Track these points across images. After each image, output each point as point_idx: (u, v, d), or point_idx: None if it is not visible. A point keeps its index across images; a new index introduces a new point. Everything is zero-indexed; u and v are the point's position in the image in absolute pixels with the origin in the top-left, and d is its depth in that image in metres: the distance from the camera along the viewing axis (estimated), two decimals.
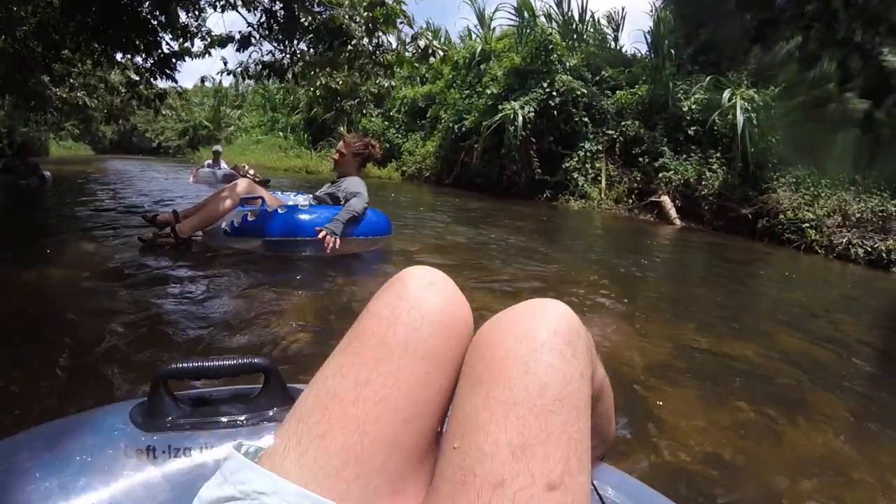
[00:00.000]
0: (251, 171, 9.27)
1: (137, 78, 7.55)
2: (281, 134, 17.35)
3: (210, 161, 9.85)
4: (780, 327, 3.03)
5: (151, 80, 7.40)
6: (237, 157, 14.48)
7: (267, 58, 6.64)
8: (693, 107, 10.07)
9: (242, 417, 0.73)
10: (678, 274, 5.13)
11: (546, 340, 0.52)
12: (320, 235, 3.02)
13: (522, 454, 0.46)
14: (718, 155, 9.83)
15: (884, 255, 7.55)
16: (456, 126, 12.67)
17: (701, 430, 1.57)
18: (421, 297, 0.58)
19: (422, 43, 4.68)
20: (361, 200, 3.25)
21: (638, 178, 10.71)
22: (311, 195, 3.71)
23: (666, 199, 10.10)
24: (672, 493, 0.83)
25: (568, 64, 11.11)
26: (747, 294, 4.36)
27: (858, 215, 7.98)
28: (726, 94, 9.03)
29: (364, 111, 11.86)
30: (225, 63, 7.26)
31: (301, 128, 17.00)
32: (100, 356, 1.63)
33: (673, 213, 9.86)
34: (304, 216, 3.18)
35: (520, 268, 3.78)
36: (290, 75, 6.53)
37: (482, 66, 12.42)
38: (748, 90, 9.19)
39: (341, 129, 15.33)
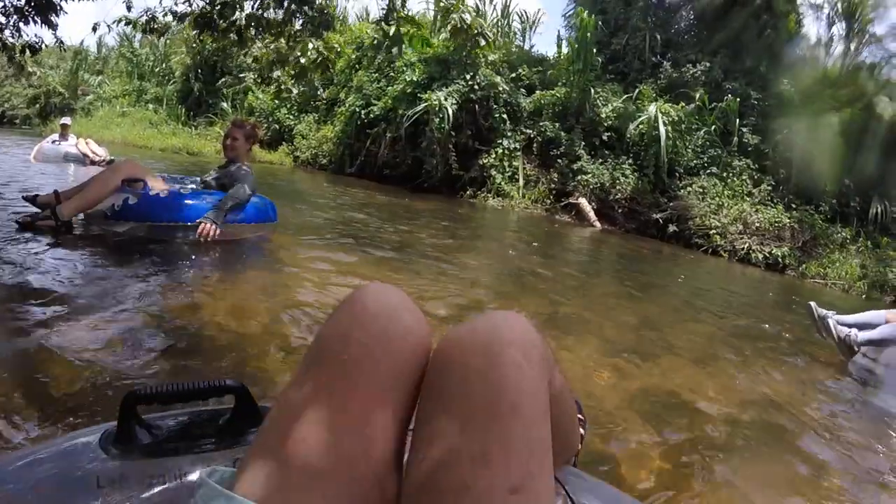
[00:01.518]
0: (98, 149, 7.96)
1: (3, 20, 5.92)
2: (150, 107, 14.98)
3: (56, 136, 8.22)
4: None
5: (22, 24, 5.89)
6: (99, 132, 12.25)
7: (182, 7, 5.61)
8: (611, 114, 10.81)
9: (215, 441, 0.74)
10: (604, 274, 5.76)
11: (501, 352, 0.56)
12: (199, 228, 3.11)
13: (484, 461, 0.50)
14: (630, 161, 10.71)
15: (779, 259, 8.91)
16: (363, 111, 12.10)
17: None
18: (376, 315, 0.60)
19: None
20: (247, 187, 3.37)
21: (555, 179, 11.20)
22: (198, 179, 3.71)
23: (584, 202, 10.75)
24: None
25: (490, 58, 11.21)
26: (662, 293, 5.04)
27: (757, 224, 9.28)
28: (652, 106, 9.86)
29: (294, 84, 10.73)
30: (129, 8, 5.97)
31: (175, 100, 14.87)
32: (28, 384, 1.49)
33: (592, 215, 10.54)
34: (188, 201, 3.23)
35: (442, 272, 3.81)
36: (233, 34, 5.54)
37: (394, 50, 12.00)
38: (665, 104, 10.12)
39: (224, 105, 13.73)
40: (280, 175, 11.10)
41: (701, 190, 10.12)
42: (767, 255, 9.04)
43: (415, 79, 11.24)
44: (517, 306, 3.26)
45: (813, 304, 3.52)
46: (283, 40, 5.73)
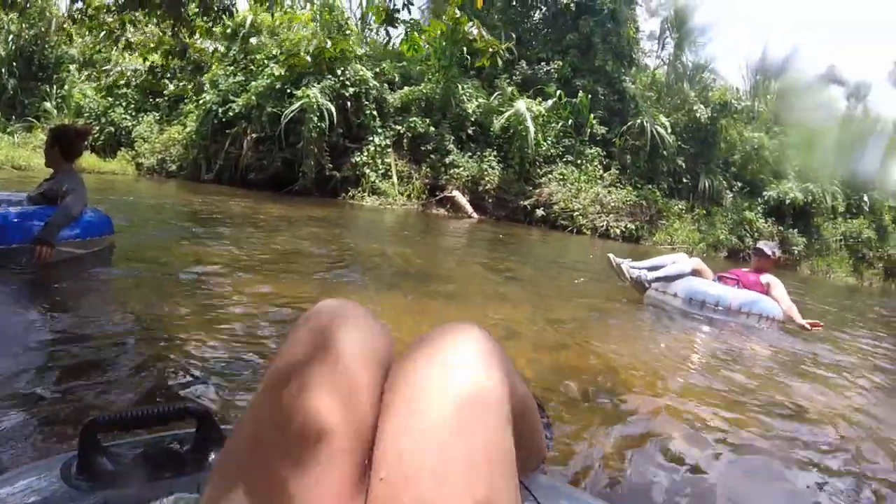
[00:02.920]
0: None
1: None
2: None
3: None
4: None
5: None
6: None
7: None
8: (476, 109, 11.70)
9: (179, 467, 0.74)
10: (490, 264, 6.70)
11: (460, 364, 0.57)
12: (35, 253, 2.86)
13: (446, 477, 0.50)
14: (495, 153, 11.73)
15: (633, 232, 10.60)
16: (220, 109, 11.45)
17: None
18: (337, 331, 0.60)
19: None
20: (76, 199, 3.14)
21: (428, 174, 11.78)
22: (24, 195, 3.38)
23: (458, 194, 11.52)
24: None
25: (357, 52, 11.38)
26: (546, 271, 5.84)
27: (612, 204, 10.89)
28: (521, 103, 10.91)
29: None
30: None
31: None
32: None
33: (469, 207, 11.37)
34: (16, 220, 2.94)
35: (338, 283, 3.76)
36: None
37: (253, 41, 11.51)
38: (527, 100, 11.28)
39: (47, 105, 11.73)
40: (121, 187, 9.66)
41: (561, 177, 11.52)
42: (623, 229, 10.70)
43: (282, 73, 10.94)
44: (412, 301, 3.40)
45: (610, 255, 4.32)
46: (166, 28, 5.27)
